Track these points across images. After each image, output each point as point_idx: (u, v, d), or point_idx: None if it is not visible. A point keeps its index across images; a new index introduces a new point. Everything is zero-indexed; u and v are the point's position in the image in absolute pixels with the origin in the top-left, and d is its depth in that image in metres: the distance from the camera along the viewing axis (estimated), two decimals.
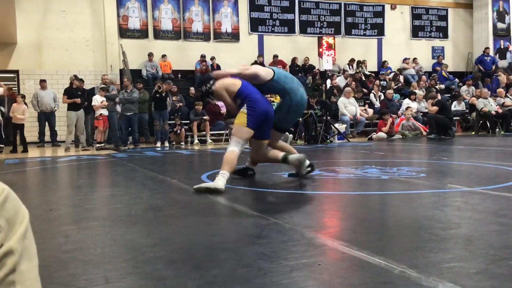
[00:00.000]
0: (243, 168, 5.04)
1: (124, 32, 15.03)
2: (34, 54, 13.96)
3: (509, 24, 19.04)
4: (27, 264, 0.60)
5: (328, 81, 15.04)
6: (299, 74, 16.14)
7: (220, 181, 4.14)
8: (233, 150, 4.39)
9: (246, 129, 4.45)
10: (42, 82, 12.56)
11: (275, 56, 16.11)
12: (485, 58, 18.33)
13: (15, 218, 0.60)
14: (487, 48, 18.46)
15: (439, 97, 13.03)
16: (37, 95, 12.41)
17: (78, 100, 11.52)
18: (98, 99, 11.61)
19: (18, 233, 0.60)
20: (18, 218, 0.61)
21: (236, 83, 4.66)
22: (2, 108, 11.39)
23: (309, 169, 4.85)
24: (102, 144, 11.58)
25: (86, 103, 11.81)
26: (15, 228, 0.60)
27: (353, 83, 15.27)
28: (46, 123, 12.55)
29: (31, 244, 0.62)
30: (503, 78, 16.70)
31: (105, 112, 11.62)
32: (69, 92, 11.62)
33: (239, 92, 4.60)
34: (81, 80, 12.32)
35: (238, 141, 4.45)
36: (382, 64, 17.67)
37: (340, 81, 15.69)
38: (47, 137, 12.69)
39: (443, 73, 17.78)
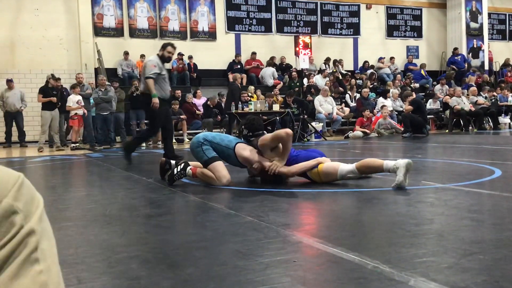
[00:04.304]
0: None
1: (99, 31, 14.84)
2: (6, 53, 13.67)
3: (481, 23, 19.39)
4: (47, 243, 0.64)
5: (305, 80, 15.09)
6: (277, 73, 16.18)
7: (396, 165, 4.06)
8: (352, 165, 4.35)
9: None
10: (9, 82, 12.33)
11: (254, 53, 16.12)
12: (456, 58, 18.63)
13: (31, 202, 0.65)
14: (456, 48, 18.78)
15: (414, 95, 13.19)
16: (3, 95, 12.22)
17: (54, 99, 11.31)
18: (73, 99, 11.44)
19: (36, 216, 0.64)
20: (34, 203, 0.65)
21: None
22: None
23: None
24: (77, 144, 11.42)
25: (60, 103, 11.61)
26: (32, 212, 0.64)
27: (330, 82, 15.34)
28: (14, 124, 12.35)
29: (48, 226, 0.67)
30: (471, 78, 17.06)
31: (80, 111, 11.46)
32: (45, 91, 11.41)
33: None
34: (58, 79, 12.13)
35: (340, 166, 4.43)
36: (363, 65, 17.80)
37: (317, 80, 15.77)
38: (15, 138, 12.43)
39: (422, 72, 17.99)
